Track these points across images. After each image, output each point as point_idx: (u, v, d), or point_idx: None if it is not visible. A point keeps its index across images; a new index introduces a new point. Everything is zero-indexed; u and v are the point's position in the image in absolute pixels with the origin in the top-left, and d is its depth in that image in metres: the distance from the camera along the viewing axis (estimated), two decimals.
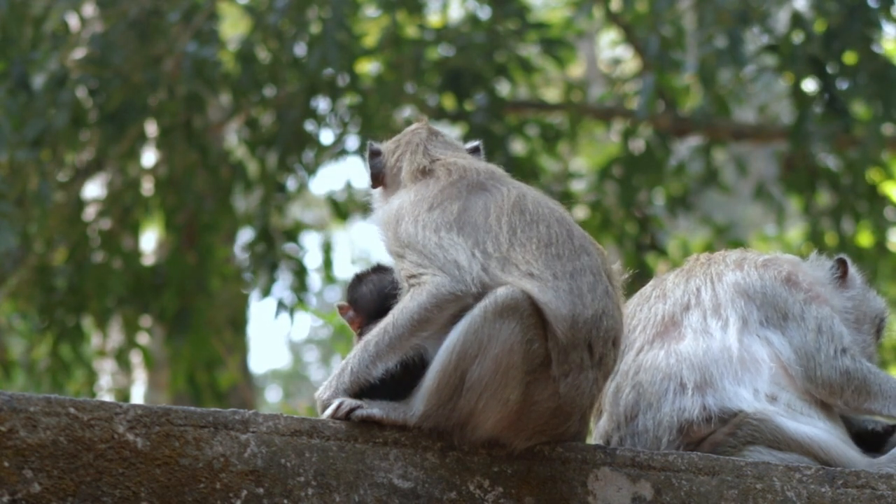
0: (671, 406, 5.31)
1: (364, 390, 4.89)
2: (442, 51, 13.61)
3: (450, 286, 4.87)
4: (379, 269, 5.35)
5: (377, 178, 5.48)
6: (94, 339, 14.78)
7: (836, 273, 5.76)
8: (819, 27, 12.89)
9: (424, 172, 5.32)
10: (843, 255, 5.84)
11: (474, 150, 5.55)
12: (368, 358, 4.89)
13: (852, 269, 5.80)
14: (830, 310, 5.57)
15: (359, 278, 5.34)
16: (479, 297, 4.87)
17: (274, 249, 13.46)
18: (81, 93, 12.56)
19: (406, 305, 4.89)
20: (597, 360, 4.92)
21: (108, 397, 14.95)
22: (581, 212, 14.54)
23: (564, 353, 4.87)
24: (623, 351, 5.45)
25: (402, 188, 5.34)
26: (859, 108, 13.03)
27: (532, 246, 4.98)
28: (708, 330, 5.44)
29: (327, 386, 4.92)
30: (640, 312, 5.57)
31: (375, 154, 5.52)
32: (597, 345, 4.92)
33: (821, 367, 5.42)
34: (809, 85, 13.14)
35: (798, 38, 12.94)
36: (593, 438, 5.51)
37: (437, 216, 5.07)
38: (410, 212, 5.12)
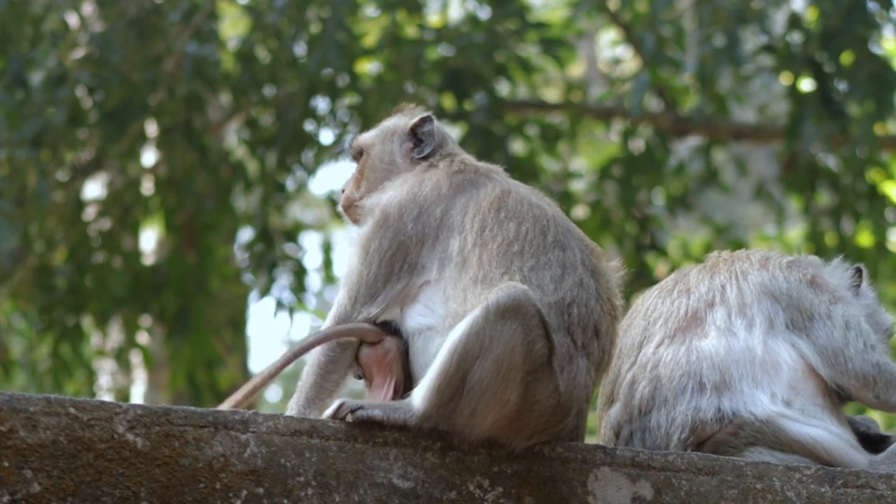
0: (687, 405, 5.29)
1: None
2: (442, 51, 13.60)
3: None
4: None
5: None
6: (94, 339, 14.78)
7: (855, 281, 5.76)
8: (815, 27, 12.88)
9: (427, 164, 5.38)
10: (861, 265, 5.85)
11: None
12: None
13: (865, 282, 5.80)
14: (856, 310, 5.58)
15: None
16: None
17: (273, 249, 13.46)
18: (80, 91, 12.56)
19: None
20: (580, 347, 4.91)
21: (108, 397, 14.94)
22: (581, 212, 14.54)
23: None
24: (640, 343, 5.46)
25: (405, 172, 5.44)
26: (856, 109, 13.02)
27: (493, 245, 4.99)
28: (732, 329, 5.41)
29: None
30: (661, 305, 5.54)
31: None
32: (575, 332, 4.91)
33: (851, 360, 5.41)
34: (806, 85, 13.13)
35: (794, 38, 12.93)
36: (604, 425, 5.51)
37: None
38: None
